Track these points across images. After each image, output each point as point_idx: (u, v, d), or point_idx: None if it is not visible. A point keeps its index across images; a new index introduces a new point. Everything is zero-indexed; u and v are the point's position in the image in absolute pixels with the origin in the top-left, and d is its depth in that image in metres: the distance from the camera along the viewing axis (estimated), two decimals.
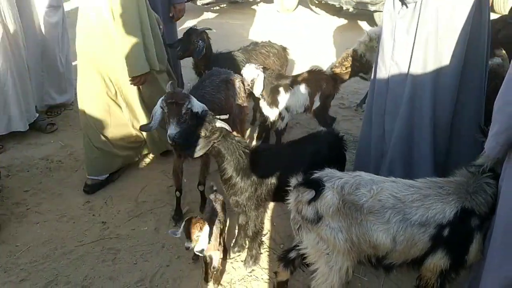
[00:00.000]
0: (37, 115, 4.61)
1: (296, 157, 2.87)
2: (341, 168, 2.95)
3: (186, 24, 8.72)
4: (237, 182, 2.73)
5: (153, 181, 3.93)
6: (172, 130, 2.72)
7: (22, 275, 2.89)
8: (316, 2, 9.71)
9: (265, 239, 3.21)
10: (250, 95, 4.09)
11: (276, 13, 9.97)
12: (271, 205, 3.59)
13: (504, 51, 4.01)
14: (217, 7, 10.76)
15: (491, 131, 1.91)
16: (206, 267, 2.79)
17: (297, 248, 2.35)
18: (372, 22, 8.35)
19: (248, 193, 2.76)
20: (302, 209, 2.12)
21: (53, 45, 4.72)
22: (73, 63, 4.79)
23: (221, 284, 2.82)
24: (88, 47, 3.47)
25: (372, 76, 3.27)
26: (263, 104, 4.17)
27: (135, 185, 3.86)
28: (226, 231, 3.16)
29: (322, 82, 4.19)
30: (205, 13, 10.09)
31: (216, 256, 2.71)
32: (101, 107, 3.65)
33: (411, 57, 2.92)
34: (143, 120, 3.68)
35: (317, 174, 2.18)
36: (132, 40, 3.29)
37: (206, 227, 2.57)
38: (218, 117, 2.67)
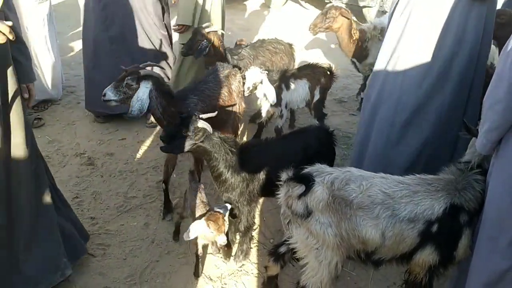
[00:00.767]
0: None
1: (286, 152, 2.88)
2: (331, 163, 2.98)
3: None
4: (227, 178, 2.73)
5: (142, 176, 3.91)
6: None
7: None
8: None
9: (255, 234, 3.23)
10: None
11: (267, 8, 9.94)
12: (261, 200, 3.59)
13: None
14: None
15: (481, 128, 1.92)
16: (197, 261, 2.80)
17: (287, 242, 2.37)
18: (361, 17, 8.35)
19: (240, 189, 2.78)
20: (292, 204, 2.13)
21: (40, 39, 4.65)
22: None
23: (211, 279, 2.83)
24: None
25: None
26: (264, 104, 4.18)
27: (124, 180, 3.84)
28: None
29: (320, 76, 4.26)
30: None
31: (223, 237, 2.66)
32: None
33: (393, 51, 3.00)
34: None
35: (307, 169, 2.19)
36: None
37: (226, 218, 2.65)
38: (201, 116, 2.68)
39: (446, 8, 2.79)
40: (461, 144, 3.05)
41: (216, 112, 2.85)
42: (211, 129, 2.68)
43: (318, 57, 6.73)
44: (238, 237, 3.06)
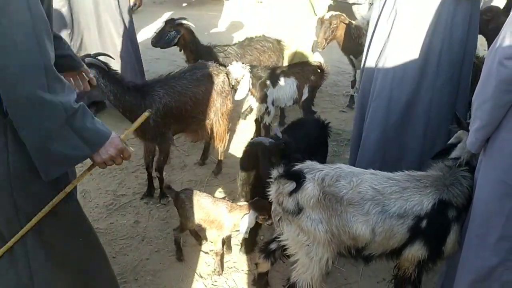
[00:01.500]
0: None
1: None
2: (324, 154, 3.03)
3: (164, 16, 8.61)
4: None
5: (131, 174, 3.89)
6: None
7: None
8: None
9: None
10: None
11: (256, 5, 9.92)
12: None
13: None
14: None
15: (471, 127, 1.94)
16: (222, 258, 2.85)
17: (278, 239, 2.37)
18: (351, 14, 8.37)
19: None
20: (283, 201, 2.14)
21: None
22: None
23: (201, 276, 2.83)
24: None
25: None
26: (252, 100, 4.18)
27: (113, 178, 3.81)
28: None
29: (310, 74, 4.25)
30: (183, 4, 9.97)
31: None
32: None
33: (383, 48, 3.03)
34: None
35: (298, 166, 2.19)
36: None
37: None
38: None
39: (432, 7, 2.83)
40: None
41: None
42: None
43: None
44: None
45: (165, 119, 3.28)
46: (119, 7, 4.49)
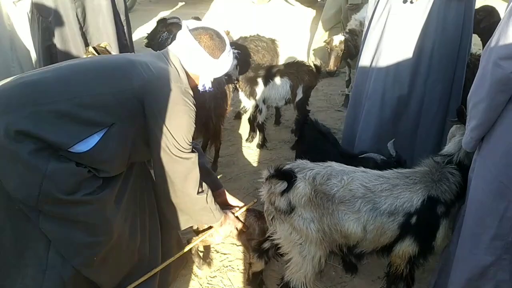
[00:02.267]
0: None
1: None
2: None
3: (160, 14, 8.61)
4: None
5: None
6: None
7: None
8: None
9: None
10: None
11: (251, 5, 9.93)
12: (246, 197, 3.61)
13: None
14: None
15: (467, 126, 1.95)
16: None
17: (271, 238, 2.38)
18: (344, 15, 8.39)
19: None
20: (275, 200, 2.15)
21: (24, 35, 4.57)
22: None
23: (197, 276, 2.84)
24: None
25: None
26: (241, 95, 4.20)
27: None
28: None
29: (304, 75, 4.22)
30: (179, 3, 9.98)
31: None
32: None
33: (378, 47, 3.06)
34: None
35: (289, 166, 2.21)
36: None
37: None
38: None
39: (424, 7, 2.86)
40: (446, 135, 3.14)
41: None
42: None
43: (302, 52, 6.74)
44: None
45: None
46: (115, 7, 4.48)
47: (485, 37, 4.08)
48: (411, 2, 2.85)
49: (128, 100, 1.98)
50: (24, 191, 1.85)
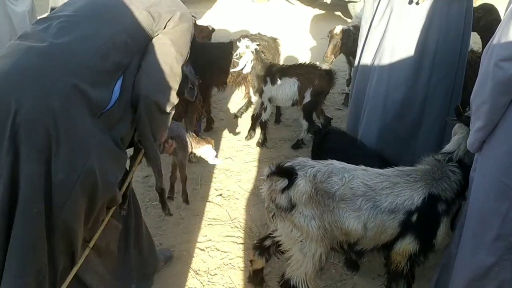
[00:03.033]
0: None
1: None
2: None
3: None
4: None
5: None
6: None
7: None
8: None
9: (241, 228, 3.25)
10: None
11: (251, 4, 9.93)
12: (246, 195, 3.63)
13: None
14: None
15: (472, 127, 1.95)
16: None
17: (272, 236, 2.39)
18: (346, 12, 8.39)
19: None
20: (275, 198, 2.16)
21: None
22: None
23: (197, 273, 2.85)
24: None
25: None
26: (251, 92, 4.27)
27: None
28: None
29: (314, 78, 4.12)
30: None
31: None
32: None
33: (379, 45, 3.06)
34: None
35: (290, 163, 2.21)
36: None
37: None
38: None
39: (427, 7, 2.86)
40: (448, 134, 3.16)
41: None
42: None
43: (302, 52, 6.74)
44: None
45: None
46: None
47: (485, 35, 4.09)
48: (417, 3, 2.85)
49: (137, 33, 1.91)
50: None
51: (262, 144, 4.38)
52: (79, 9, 1.89)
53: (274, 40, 4.77)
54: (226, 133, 4.68)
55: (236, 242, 3.12)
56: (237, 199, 3.59)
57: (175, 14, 1.99)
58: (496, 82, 1.69)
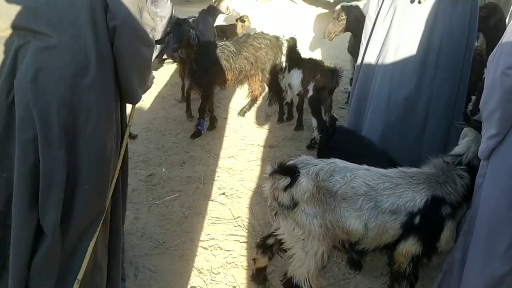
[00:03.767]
0: None
1: None
2: None
3: None
4: None
5: (131, 171, 3.89)
6: None
7: None
8: None
9: (244, 227, 3.25)
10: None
11: (255, 3, 9.92)
12: (249, 194, 3.63)
13: None
14: None
15: (484, 135, 1.93)
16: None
17: (274, 234, 2.40)
18: None
19: None
20: (278, 196, 2.16)
21: None
22: None
23: (200, 272, 2.85)
24: None
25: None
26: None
27: None
28: None
29: (316, 72, 4.22)
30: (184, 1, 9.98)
31: None
32: None
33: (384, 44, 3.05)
34: None
35: (292, 161, 2.21)
36: None
37: None
38: None
39: (430, 6, 2.85)
40: (452, 135, 3.17)
41: None
42: None
43: (306, 50, 6.74)
44: None
45: None
46: None
47: (489, 35, 4.06)
48: (419, 2, 2.84)
49: None
50: None
51: (282, 120, 4.88)
52: None
53: (278, 39, 4.77)
54: (229, 132, 4.69)
55: (239, 241, 3.12)
56: (240, 197, 3.59)
57: None
58: (504, 90, 1.68)
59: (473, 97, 4.11)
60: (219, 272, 2.86)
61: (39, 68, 1.71)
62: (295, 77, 4.37)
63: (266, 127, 4.80)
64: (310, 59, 4.52)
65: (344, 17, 4.57)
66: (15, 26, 1.73)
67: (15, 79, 1.73)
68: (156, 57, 5.64)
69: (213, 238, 3.15)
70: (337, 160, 2.23)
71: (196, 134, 4.51)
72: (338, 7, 4.69)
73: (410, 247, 2.19)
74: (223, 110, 5.18)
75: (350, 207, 2.10)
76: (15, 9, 1.70)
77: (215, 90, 4.65)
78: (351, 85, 5.21)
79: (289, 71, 4.46)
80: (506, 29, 1.73)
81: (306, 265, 2.20)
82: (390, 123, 3.12)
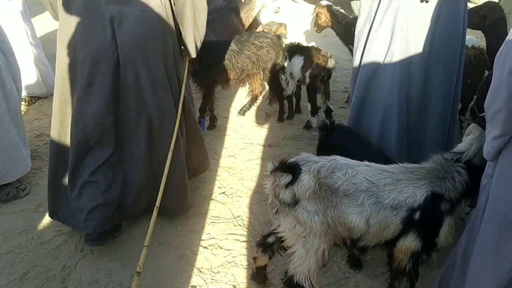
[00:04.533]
0: None
1: None
2: None
3: None
4: None
5: None
6: None
7: None
8: None
9: (244, 226, 3.24)
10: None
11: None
12: (249, 193, 3.62)
13: None
14: None
15: (488, 136, 1.91)
16: None
17: (275, 232, 2.38)
18: (349, 10, 8.39)
19: None
20: (279, 193, 2.15)
21: (20, 35, 4.54)
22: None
23: (200, 271, 2.84)
24: None
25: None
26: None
27: None
28: None
29: (313, 59, 4.38)
30: None
31: None
32: None
33: (384, 44, 3.02)
34: None
35: (294, 159, 2.21)
36: None
37: None
38: None
39: (434, 5, 2.86)
40: (451, 133, 3.20)
41: None
42: None
43: None
44: None
45: None
46: None
47: (489, 34, 4.06)
48: (426, 1, 2.84)
49: None
50: None
51: (282, 119, 4.87)
52: None
53: (279, 37, 4.78)
54: (229, 131, 4.68)
55: (239, 240, 3.11)
56: (240, 197, 3.58)
57: None
58: (511, 90, 1.67)
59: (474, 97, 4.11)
60: (219, 271, 2.86)
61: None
62: (296, 64, 4.47)
63: (266, 126, 4.79)
64: (310, 47, 4.65)
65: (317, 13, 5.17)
66: None
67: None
68: None
69: (213, 237, 3.14)
70: (338, 157, 2.23)
71: None
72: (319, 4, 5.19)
73: (410, 243, 2.18)
74: (223, 109, 5.17)
75: (352, 203, 2.09)
76: None
77: (216, 89, 4.65)
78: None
79: (290, 60, 4.55)
80: (511, 30, 1.71)
81: (307, 263, 2.19)
82: (404, 127, 3.12)
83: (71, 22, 2.61)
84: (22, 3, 4.58)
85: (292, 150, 4.28)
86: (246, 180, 3.81)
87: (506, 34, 1.81)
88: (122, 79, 2.70)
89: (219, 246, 3.06)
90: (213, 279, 2.80)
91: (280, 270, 2.77)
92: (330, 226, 2.12)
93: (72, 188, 2.86)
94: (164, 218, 3.29)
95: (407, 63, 3.00)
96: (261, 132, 4.66)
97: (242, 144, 4.43)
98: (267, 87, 4.95)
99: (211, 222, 3.29)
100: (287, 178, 2.11)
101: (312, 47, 4.62)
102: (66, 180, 2.91)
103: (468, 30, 3.22)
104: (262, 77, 4.71)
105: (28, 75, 4.69)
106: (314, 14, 5.23)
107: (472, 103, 4.08)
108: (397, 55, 3.00)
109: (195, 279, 2.79)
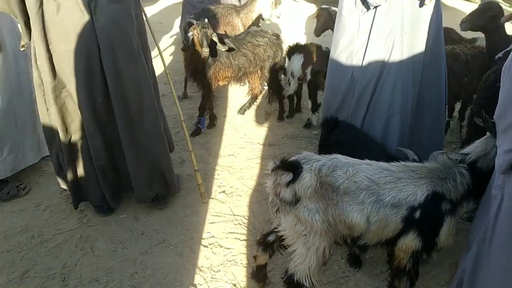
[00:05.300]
0: None
1: None
2: None
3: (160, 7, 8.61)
4: None
5: None
6: None
7: None
8: None
9: (244, 225, 3.24)
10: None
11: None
12: (249, 192, 3.62)
13: None
14: None
15: (500, 149, 1.87)
16: None
17: (275, 230, 2.38)
18: None
19: None
20: (280, 192, 2.15)
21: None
22: None
23: (201, 270, 2.84)
24: None
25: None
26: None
27: None
28: None
29: (313, 55, 4.39)
30: None
31: None
32: None
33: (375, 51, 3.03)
34: None
35: (295, 157, 2.21)
36: None
37: None
38: None
39: (431, 6, 2.88)
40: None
41: None
42: None
43: None
44: None
45: None
46: None
47: (492, 34, 4.05)
48: (424, 4, 2.87)
49: None
50: None
51: (282, 118, 4.87)
52: None
53: (278, 37, 4.77)
54: (229, 130, 4.68)
55: (239, 239, 3.11)
56: (240, 196, 3.59)
57: None
58: None
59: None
60: (219, 270, 2.86)
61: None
62: (296, 61, 4.47)
63: (266, 125, 4.80)
64: (309, 43, 4.65)
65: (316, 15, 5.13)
66: None
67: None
68: None
69: (213, 236, 3.14)
70: (339, 156, 2.23)
71: (196, 132, 4.51)
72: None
73: (410, 242, 2.19)
74: (223, 108, 5.18)
75: (353, 201, 2.10)
76: None
77: (215, 88, 4.65)
78: None
79: (289, 58, 4.55)
80: None
81: (307, 261, 2.19)
82: (407, 128, 3.13)
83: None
84: None
85: (292, 149, 4.28)
86: (246, 179, 3.81)
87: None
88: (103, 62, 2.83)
89: (219, 245, 3.07)
90: (213, 278, 2.80)
91: (280, 268, 2.78)
92: (331, 224, 2.12)
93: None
94: (164, 217, 3.30)
95: (409, 70, 2.99)
96: (261, 131, 4.67)
97: (242, 143, 4.43)
98: (266, 86, 4.96)
99: (211, 221, 3.29)
100: (288, 176, 2.11)
101: (311, 43, 4.62)
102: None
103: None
104: (260, 75, 4.72)
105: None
106: (314, 17, 5.21)
107: (470, 106, 4.10)
108: (397, 64, 2.98)
109: (195, 278, 2.79)
